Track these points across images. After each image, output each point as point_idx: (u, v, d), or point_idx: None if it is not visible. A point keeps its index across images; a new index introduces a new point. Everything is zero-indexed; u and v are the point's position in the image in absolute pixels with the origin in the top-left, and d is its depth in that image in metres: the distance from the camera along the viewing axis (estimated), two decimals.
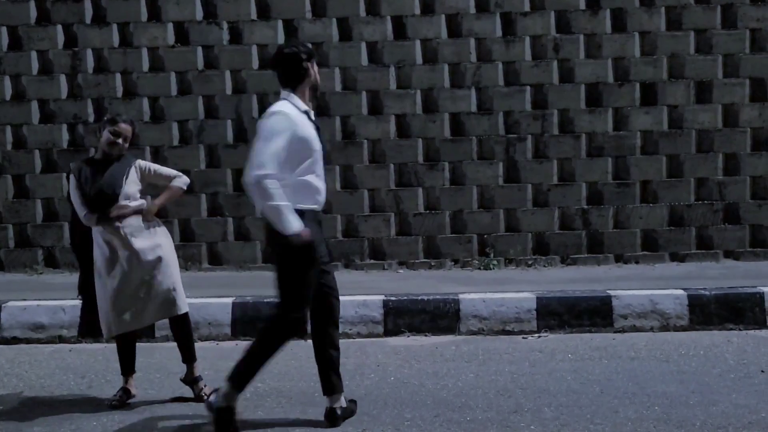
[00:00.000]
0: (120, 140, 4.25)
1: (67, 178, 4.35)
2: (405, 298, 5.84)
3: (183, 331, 4.39)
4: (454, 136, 7.52)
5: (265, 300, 5.76)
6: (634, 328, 5.78)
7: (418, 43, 7.53)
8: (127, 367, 4.37)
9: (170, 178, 4.45)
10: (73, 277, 6.67)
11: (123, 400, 4.24)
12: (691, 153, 7.50)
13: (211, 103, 7.54)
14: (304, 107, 3.74)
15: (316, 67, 3.83)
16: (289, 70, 3.75)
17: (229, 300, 5.82)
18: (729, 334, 5.60)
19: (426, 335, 5.71)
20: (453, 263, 7.48)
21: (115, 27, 7.56)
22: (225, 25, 7.54)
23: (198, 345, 5.40)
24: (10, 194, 7.53)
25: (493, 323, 5.78)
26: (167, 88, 7.52)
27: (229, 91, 7.54)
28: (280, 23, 7.53)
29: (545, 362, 4.95)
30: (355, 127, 7.54)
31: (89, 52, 7.55)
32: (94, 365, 5.09)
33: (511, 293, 5.93)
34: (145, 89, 7.54)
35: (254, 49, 7.54)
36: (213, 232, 7.50)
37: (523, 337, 5.65)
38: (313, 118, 3.78)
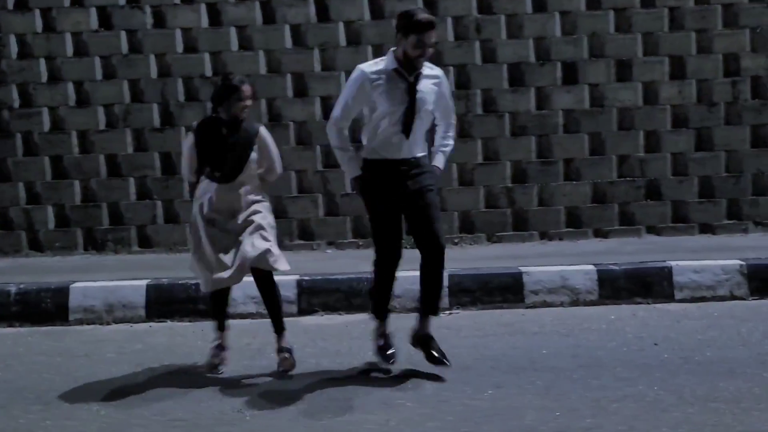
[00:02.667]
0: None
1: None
2: (319, 277, 5.95)
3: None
4: None
5: (180, 282, 5.86)
6: (545, 304, 5.92)
7: (341, 25, 7.57)
8: (222, 322, 4.57)
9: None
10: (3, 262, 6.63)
11: (220, 356, 4.47)
12: (613, 131, 7.64)
13: (136, 87, 7.54)
14: (395, 65, 4.11)
15: (415, 42, 4.03)
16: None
17: (143, 282, 5.88)
18: (636, 308, 5.76)
19: (339, 314, 5.83)
20: None
21: (37, 12, 7.50)
22: (148, 9, 7.51)
23: (111, 328, 5.62)
24: None
25: (405, 301, 5.85)
26: (92, 72, 7.50)
27: (154, 75, 7.54)
28: (203, 6, 7.53)
29: (449, 339, 5.01)
30: (280, 109, 7.59)
31: (12, 38, 7.50)
32: (5, 349, 5.13)
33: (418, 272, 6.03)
34: (70, 74, 7.51)
35: (178, 33, 7.53)
36: (142, 216, 7.54)
37: None
38: (406, 76, 4.10)
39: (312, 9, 7.57)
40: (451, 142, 4.46)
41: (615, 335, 5.03)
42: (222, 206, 4.37)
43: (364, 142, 4.31)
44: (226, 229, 4.36)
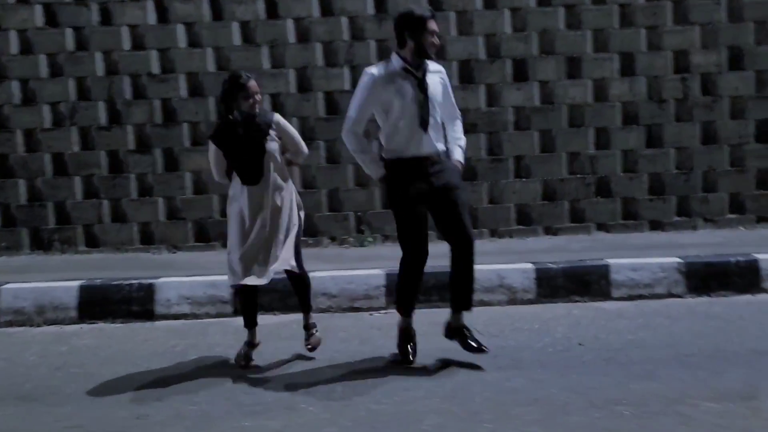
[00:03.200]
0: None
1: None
2: None
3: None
4: (328, 115, 7.56)
5: (114, 282, 5.83)
6: (482, 303, 5.85)
7: (290, 22, 7.53)
8: (249, 320, 4.69)
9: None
10: None
11: (249, 355, 4.58)
12: (563, 128, 7.62)
13: (83, 85, 7.49)
14: (402, 64, 4.23)
15: (427, 32, 4.20)
16: (395, 33, 4.31)
17: (76, 283, 5.83)
18: (573, 307, 5.74)
19: (274, 314, 5.80)
20: (330, 241, 7.56)
21: None
22: (95, 7, 7.46)
23: (40, 330, 5.58)
24: None
25: (342, 300, 5.87)
26: (38, 70, 7.45)
27: (101, 73, 7.49)
28: (150, 3, 7.48)
29: (375, 339, 5.04)
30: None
31: None
32: None
33: (360, 270, 6.02)
34: (15, 72, 7.46)
35: (125, 30, 7.48)
36: (89, 215, 7.49)
37: (370, 314, 5.76)
38: (415, 73, 4.24)
39: (261, 6, 7.52)
40: (463, 136, 4.58)
41: (544, 335, 5.00)
42: (254, 204, 4.45)
43: (384, 144, 4.37)
44: (260, 230, 4.45)
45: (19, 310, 5.69)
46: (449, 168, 4.38)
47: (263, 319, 5.62)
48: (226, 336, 5.24)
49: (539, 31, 7.58)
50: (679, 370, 4.14)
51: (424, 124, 4.23)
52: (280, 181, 4.52)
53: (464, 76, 7.59)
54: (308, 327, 4.77)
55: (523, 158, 7.63)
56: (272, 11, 7.54)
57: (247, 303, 4.70)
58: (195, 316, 5.71)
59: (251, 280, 4.46)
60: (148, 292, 5.78)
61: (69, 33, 7.48)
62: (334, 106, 7.54)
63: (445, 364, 4.46)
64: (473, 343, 4.44)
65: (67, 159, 7.48)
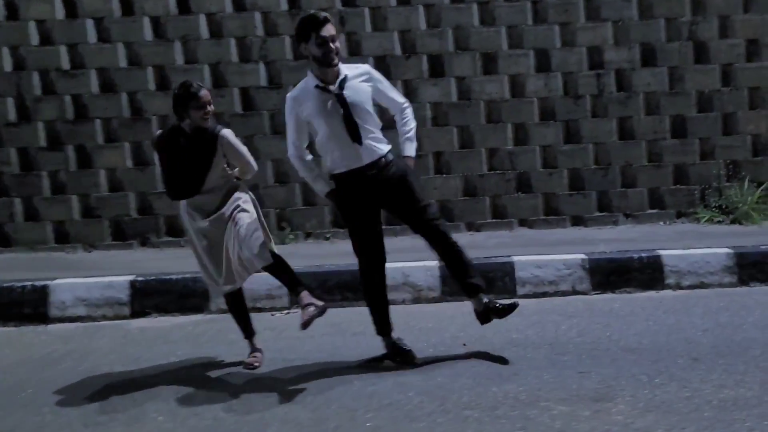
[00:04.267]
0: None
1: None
2: (152, 278, 5.82)
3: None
4: (245, 111, 7.48)
5: (5, 284, 5.71)
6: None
7: (203, 17, 7.42)
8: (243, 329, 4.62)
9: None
10: None
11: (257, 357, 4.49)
12: (481, 123, 7.60)
13: None
14: (315, 82, 4.06)
15: (316, 41, 3.99)
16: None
17: None
18: (470, 305, 5.70)
19: (173, 315, 5.72)
20: None
21: None
22: (0, 1, 7.31)
23: None
24: None
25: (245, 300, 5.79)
26: None
27: (9, 68, 7.34)
28: None
29: (268, 341, 4.94)
30: (142, 102, 7.43)
31: None
32: None
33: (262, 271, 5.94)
34: None
35: (32, 25, 7.34)
36: (0, 213, 7.35)
37: (272, 314, 5.70)
38: (330, 89, 4.04)
39: (172, 0, 7.40)
40: (412, 123, 4.40)
41: (432, 335, 4.95)
42: (199, 210, 4.32)
43: (324, 159, 4.26)
44: (215, 234, 4.30)
45: None
46: (396, 166, 4.21)
47: (162, 321, 5.59)
48: (114, 340, 5.16)
49: (453, 27, 7.54)
50: (547, 370, 4.11)
51: (355, 138, 4.07)
52: (227, 191, 4.37)
53: (380, 71, 7.38)
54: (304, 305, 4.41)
55: (442, 154, 7.59)
56: (184, 6, 7.44)
57: (235, 311, 4.65)
58: (91, 319, 5.62)
59: (229, 289, 4.45)
60: (41, 293, 5.67)
61: None
62: (249, 102, 7.46)
63: (320, 369, 4.37)
64: (502, 307, 4.41)
65: None
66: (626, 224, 7.70)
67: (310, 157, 4.31)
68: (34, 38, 7.35)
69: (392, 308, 5.56)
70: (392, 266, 5.87)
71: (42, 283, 5.73)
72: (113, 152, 7.41)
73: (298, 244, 7.40)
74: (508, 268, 5.97)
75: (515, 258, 6.04)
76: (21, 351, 4.93)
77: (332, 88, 4.04)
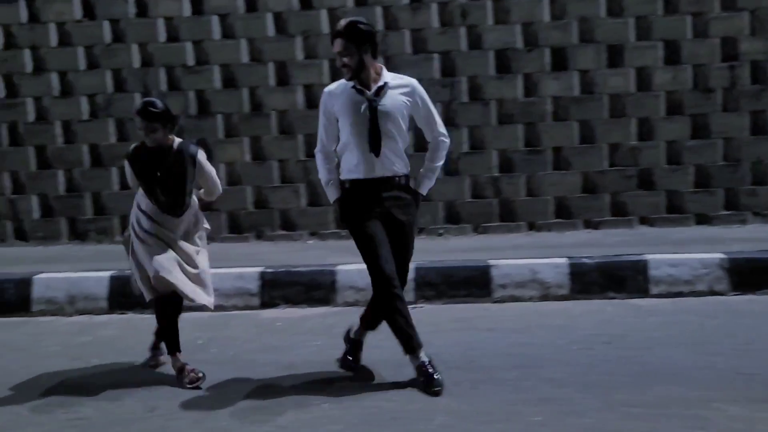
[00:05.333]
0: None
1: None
2: (281, 270, 5.86)
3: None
4: None
5: None
6: (514, 298, 5.75)
7: (324, 12, 7.45)
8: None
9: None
10: None
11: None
12: (604, 118, 7.38)
13: (119, 76, 7.55)
14: (353, 82, 3.92)
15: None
16: None
17: (107, 274, 5.87)
18: (607, 303, 5.55)
19: (301, 307, 5.75)
20: (310, 235, 7.48)
21: (23, 3, 7.55)
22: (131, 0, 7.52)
23: (71, 319, 5.65)
24: None
25: (369, 294, 5.72)
26: (75, 62, 7.53)
27: (136, 65, 7.53)
28: None
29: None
30: (262, 98, 7.51)
31: None
32: None
33: None
34: (54, 64, 7.56)
35: (161, 22, 7.51)
36: (124, 206, 7.33)
37: None
38: (366, 93, 3.89)
39: None
40: (440, 163, 4.18)
41: (570, 332, 4.83)
42: (162, 228, 4.18)
43: (342, 162, 4.09)
44: (163, 240, 4.18)
45: (51, 299, 5.76)
46: (406, 201, 4.03)
47: (290, 313, 5.63)
48: (248, 330, 5.21)
49: (579, 18, 7.34)
50: (704, 371, 3.95)
51: (374, 148, 3.91)
52: (191, 213, 4.28)
53: (501, 65, 7.40)
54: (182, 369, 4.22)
55: (561, 149, 7.42)
56: (306, 2, 7.47)
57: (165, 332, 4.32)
58: (222, 308, 5.69)
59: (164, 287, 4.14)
60: None
61: (106, 25, 7.53)
62: None
63: (466, 360, 4.32)
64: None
65: (103, 150, 7.55)
66: (755, 223, 7.35)
67: (336, 160, 4.12)
68: (162, 35, 7.52)
69: (516, 305, 5.65)
70: (519, 262, 5.87)
71: None
72: (233, 147, 7.52)
73: None
74: (640, 267, 5.77)
75: (649, 256, 5.83)
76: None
77: (368, 92, 3.92)
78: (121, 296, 5.76)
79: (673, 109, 7.37)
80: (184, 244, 4.22)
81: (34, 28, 7.56)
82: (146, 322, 5.44)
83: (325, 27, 7.45)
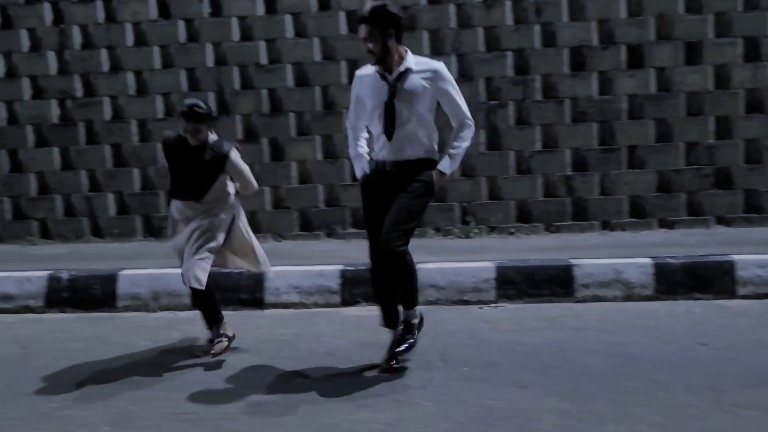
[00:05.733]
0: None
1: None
2: (362, 267, 5.84)
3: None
4: None
5: (224, 271, 5.80)
6: (596, 298, 5.66)
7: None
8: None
9: None
10: (62, 248, 6.99)
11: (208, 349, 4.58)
12: (680, 116, 7.25)
13: (193, 75, 7.62)
14: (378, 67, 4.02)
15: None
16: None
17: None
18: (694, 304, 5.45)
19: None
20: (435, 232, 7.44)
21: (99, 3, 7.67)
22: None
23: (156, 315, 5.73)
24: (5, 168, 7.78)
25: (450, 293, 5.74)
26: (150, 61, 7.63)
27: (210, 64, 7.60)
28: None
29: (485, 333, 4.91)
30: (334, 96, 7.53)
31: (76, 29, 7.70)
32: (42, 335, 5.24)
33: (469, 263, 5.88)
34: (130, 64, 7.66)
35: (234, 21, 7.56)
36: None
37: (480, 308, 5.61)
38: (387, 75, 3.99)
39: None
40: (463, 144, 4.13)
41: (662, 333, 4.75)
42: (184, 216, 4.55)
43: (371, 143, 4.27)
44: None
45: (136, 295, 5.83)
46: (415, 179, 4.05)
47: (371, 311, 5.59)
48: (332, 326, 5.22)
49: (656, 15, 7.22)
50: None
51: (387, 131, 4.00)
52: (216, 207, 4.52)
53: (575, 63, 7.32)
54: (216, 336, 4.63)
55: (636, 148, 7.30)
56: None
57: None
58: (303, 306, 5.72)
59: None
60: (257, 280, 5.81)
61: (181, 25, 7.61)
62: None
63: (563, 360, 4.27)
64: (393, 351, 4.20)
65: None
66: None
67: (365, 135, 4.27)
68: (236, 34, 7.57)
69: (599, 305, 5.57)
70: (602, 262, 5.79)
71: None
72: (305, 145, 7.54)
73: (483, 239, 7.29)
74: (727, 267, 5.65)
75: (735, 257, 5.71)
76: (251, 333, 5.03)
77: (389, 77, 3.98)
78: None
79: (753, 107, 7.21)
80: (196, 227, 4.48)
81: (110, 28, 7.67)
82: (231, 318, 5.52)
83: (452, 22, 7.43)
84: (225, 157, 4.44)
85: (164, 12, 7.66)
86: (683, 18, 7.20)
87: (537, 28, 7.32)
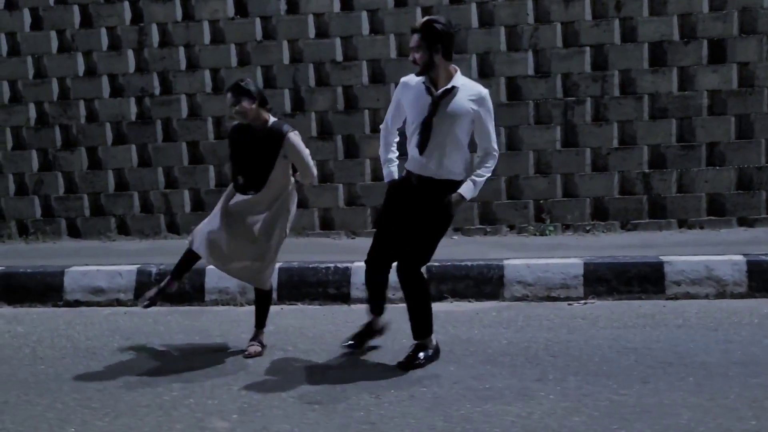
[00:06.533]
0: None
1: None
2: (448, 263, 5.85)
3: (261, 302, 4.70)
4: (510, 101, 7.41)
5: (310, 266, 5.91)
6: (688, 296, 5.60)
7: (474, 6, 7.42)
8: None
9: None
10: (142, 244, 7.05)
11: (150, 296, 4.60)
12: (763, 112, 7.14)
13: (269, 73, 7.67)
14: (425, 78, 4.05)
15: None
16: None
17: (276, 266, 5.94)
18: None
19: (469, 301, 5.73)
20: (508, 229, 7.40)
21: (178, 1, 7.76)
22: None
23: (244, 309, 5.72)
24: (84, 165, 7.91)
25: (538, 289, 5.72)
26: (228, 59, 7.69)
27: (286, 61, 7.64)
28: None
29: (585, 329, 4.87)
30: (358, 99, 7.57)
31: (154, 27, 7.80)
32: (141, 327, 5.32)
33: (557, 259, 5.84)
34: (207, 61, 7.73)
35: (311, 19, 7.60)
36: None
37: (569, 304, 5.56)
38: (432, 89, 4.01)
39: None
40: (487, 173, 4.18)
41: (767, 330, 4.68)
42: (243, 208, 4.45)
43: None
44: (236, 229, 4.42)
45: (224, 289, 5.87)
46: (441, 195, 4.08)
47: (459, 306, 5.61)
48: None
49: (739, 9, 7.12)
50: None
51: (421, 146, 4.01)
52: (276, 195, 4.47)
53: (655, 58, 7.23)
54: (255, 337, 4.65)
55: (717, 145, 7.20)
56: None
57: (185, 264, 4.63)
58: (390, 301, 5.70)
59: (212, 262, 4.49)
60: (344, 275, 5.83)
61: (257, 22, 7.67)
62: (517, 92, 7.41)
63: (677, 356, 4.22)
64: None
65: None
66: None
67: (396, 138, 4.27)
68: (311, 31, 7.61)
69: (691, 302, 5.48)
70: (693, 259, 5.73)
71: (344, 265, 5.89)
72: (378, 142, 7.52)
73: (559, 236, 7.24)
74: None
75: None
76: (344, 327, 5.01)
77: (434, 92, 4.00)
78: (290, 287, 5.86)
79: None
80: (253, 223, 4.42)
81: (188, 26, 7.75)
82: (319, 312, 5.57)
83: (474, 20, 7.42)
84: (283, 135, 4.38)
85: (241, 10, 7.72)
86: (766, 11, 7.08)
87: (616, 23, 7.25)
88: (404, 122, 4.25)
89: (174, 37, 7.77)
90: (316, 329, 5.12)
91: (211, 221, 4.47)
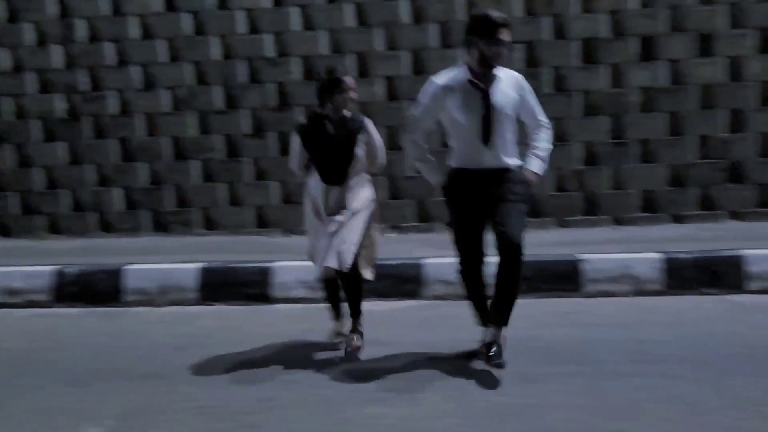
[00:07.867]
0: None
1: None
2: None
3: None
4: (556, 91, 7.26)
5: (231, 265, 5.84)
6: (606, 294, 5.60)
7: (405, 2, 7.36)
8: (334, 311, 4.65)
9: None
10: (72, 243, 6.91)
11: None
12: (693, 109, 7.16)
13: (200, 69, 7.57)
14: (468, 76, 3.97)
15: (491, 41, 3.87)
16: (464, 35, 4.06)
17: (196, 266, 5.87)
18: (704, 300, 5.38)
19: (389, 300, 5.67)
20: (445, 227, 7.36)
21: None
22: None
23: (163, 310, 5.68)
24: (13, 163, 7.76)
25: (459, 288, 5.67)
26: (157, 55, 7.58)
27: (217, 57, 7.55)
28: None
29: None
30: (290, 95, 7.50)
31: (81, 22, 7.65)
32: (59, 329, 5.21)
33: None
34: (136, 57, 7.61)
35: (241, 14, 7.51)
36: (206, 198, 7.58)
37: None
38: (481, 86, 3.95)
39: None
40: (545, 144, 4.17)
41: (677, 328, 4.68)
42: (331, 203, 4.36)
43: (451, 151, 4.17)
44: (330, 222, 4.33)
45: (143, 290, 5.78)
46: (515, 182, 4.04)
47: (377, 305, 5.57)
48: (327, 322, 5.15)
49: (669, 6, 7.13)
50: None
51: (485, 139, 3.98)
52: (359, 184, 4.41)
53: (586, 55, 7.23)
54: (354, 330, 4.54)
55: (648, 142, 7.21)
56: None
57: (328, 293, 4.59)
58: (311, 301, 5.66)
59: (325, 271, 4.35)
60: (264, 275, 5.77)
61: (187, 17, 7.56)
62: (561, 82, 7.33)
63: (578, 355, 4.21)
64: (490, 353, 4.03)
65: (186, 143, 7.59)
66: None
67: (426, 145, 4.22)
68: (242, 27, 7.50)
69: (609, 300, 5.48)
70: (611, 257, 5.73)
71: (265, 265, 5.83)
72: None
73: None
74: (737, 262, 5.58)
75: (745, 251, 5.64)
76: (261, 329, 4.96)
77: (483, 86, 3.96)
78: (212, 287, 5.77)
79: (767, 99, 7.11)
80: (342, 216, 4.32)
81: (116, 21, 7.62)
82: (239, 313, 5.49)
83: (406, 17, 7.36)
84: (362, 124, 4.35)
85: (170, 5, 7.60)
86: (697, 9, 7.10)
87: (547, 20, 7.24)
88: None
89: (102, 32, 7.63)
90: (232, 330, 5.04)
91: (316, 234, 4.40)
